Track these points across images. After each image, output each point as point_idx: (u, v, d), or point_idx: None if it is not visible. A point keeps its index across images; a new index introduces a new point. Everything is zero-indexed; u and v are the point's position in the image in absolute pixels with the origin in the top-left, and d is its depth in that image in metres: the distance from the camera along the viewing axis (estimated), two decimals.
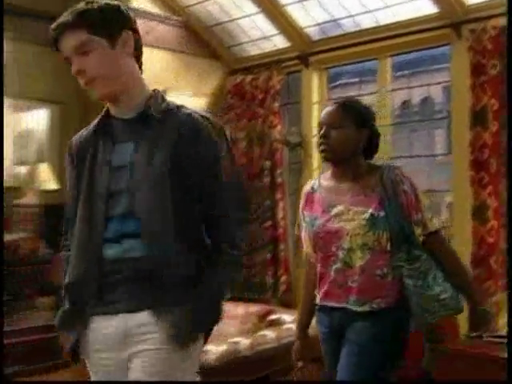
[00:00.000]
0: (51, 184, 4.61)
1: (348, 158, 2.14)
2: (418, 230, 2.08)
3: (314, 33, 4.80)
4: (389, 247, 2.06)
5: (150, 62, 5.47)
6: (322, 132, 2.13)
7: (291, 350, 2.40)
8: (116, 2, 1.67)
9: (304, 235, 2.27)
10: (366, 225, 2.05)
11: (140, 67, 1.72)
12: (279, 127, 4.89)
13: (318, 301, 2.24)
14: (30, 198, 4.73)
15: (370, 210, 2.05)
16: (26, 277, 4.30)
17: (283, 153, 4.95)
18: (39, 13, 4.71)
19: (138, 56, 1.70)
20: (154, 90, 1.72)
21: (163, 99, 1.70)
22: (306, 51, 4.81)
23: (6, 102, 4.54)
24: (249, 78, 5.03)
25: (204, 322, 1.60)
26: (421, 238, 2.09)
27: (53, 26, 1.64)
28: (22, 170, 4.73)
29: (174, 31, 5.02)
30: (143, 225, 1.58)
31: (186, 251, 1.59)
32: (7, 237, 4.32)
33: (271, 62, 4.96)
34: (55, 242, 4.36)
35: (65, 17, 1.62)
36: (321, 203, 2.19)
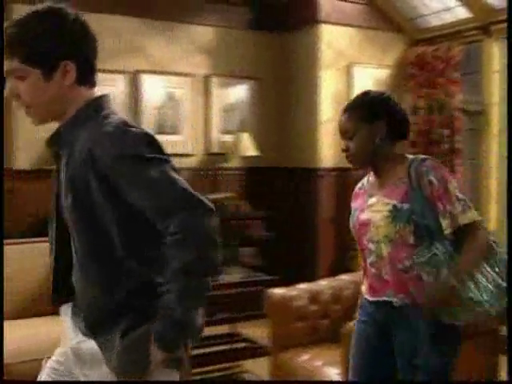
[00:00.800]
0: (252, 151, 5.10)
1: (373, 158, 2.11)
2: (445, 223, 1.97)
3: (496, 2, 4.88)
4: (412, 240, 1.97)
5: (335, 39, 6.14)
6: (342, 146, 2.13)
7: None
8: (65, 19, 1.53)
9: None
10: (388, 216, 1.99)
11: (93, 85, 1.62)
12: (459, 96, 5.06)
13: (363, 294, 2.22)
14: (233, 163, 5.29)
15: (394, 202, 2.00)
16: (229, 230, 4.82)
17: (462, 121, 5.08)
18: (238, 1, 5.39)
19: (87, 76, 1.58)
20: (83, 104, 1.57)
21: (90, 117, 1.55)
22: (488, 21, 4.92)
23: (215, 79, 5.28)
24: (430, 48, 5.22)
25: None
26: (448, 231, 1.97)
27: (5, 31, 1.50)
28: (228, 138, 5.28)
29: (358, 8, 5.34)
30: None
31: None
32: (215, 196, 5.06)
33: (452, 33, 5.12)
34: (255, 201, 5.06)
35: (8, 28, 1.50)
36: (363, 197, 2.19)
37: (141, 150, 1.45)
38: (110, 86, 4.89)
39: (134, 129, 1.51)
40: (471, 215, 1.99)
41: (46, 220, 1.72)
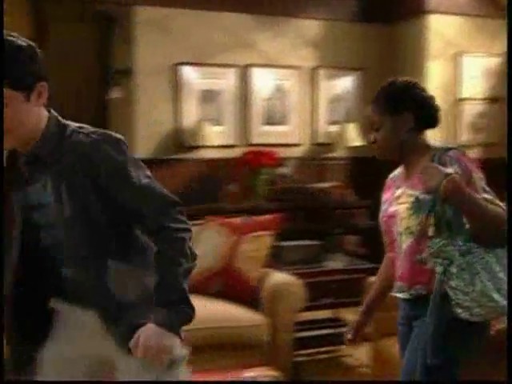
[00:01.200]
0: (357, 141, 5.17)
1: (399, 150, 2.06)
2: None
3: None
4: (431, 232, 1.90)
5: (443, 29, 6.09)
6: (371, 138, 2.11)
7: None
8: (31, 44, 1.59)
9: None
10: (410, 208, 1.93)
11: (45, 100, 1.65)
12: None
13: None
14: (339, 153, 5.40)
15: (417, 193, 1.93)
16: (334, 219, 4.96)
17: None
18: None
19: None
20: (48, 122, 1.64)
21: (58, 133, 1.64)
22: None
23: (322, 71, 5.39)
24: None
25: None
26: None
27: None
28: (334, 128, 5.37)
29: None
30: None
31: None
32: (321, 185, 5.20)
33: None
34: (361, 190, 5.13)
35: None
36: (392, 189, 2.15)
37: (129, 154, 1.67)
38: (221, 80, 5.16)
39: (113, 134, 1.69)
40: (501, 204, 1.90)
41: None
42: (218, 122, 5.14)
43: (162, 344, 1.56)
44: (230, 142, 5.20)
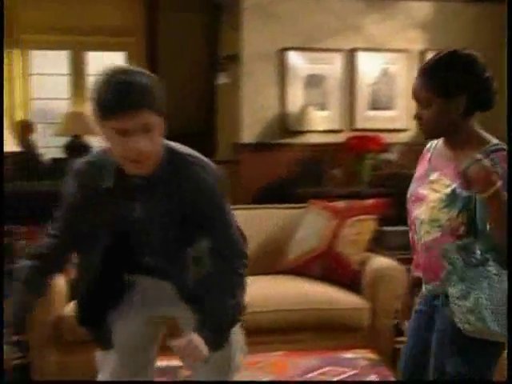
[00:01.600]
0: None
1: (447, 131, 1.86)
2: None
3: None
4: (462, 231, 1.77)
5: None
6: (416, 113, 1.89)
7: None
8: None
9: None
10: (445, 200, 1.79)
11: None
12: None
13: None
14: None
15: (455, 185, 1.77)
16: None
17: None
18: None
19: None
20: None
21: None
22: None
23: (430, 54, 5.26)
24: None
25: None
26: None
27: None
28: None
29: None
30: None
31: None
32: None
33: None
34: None
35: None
36: (426, 165, 1.97)
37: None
38: (327, 64, 5.17)
39: (211, 163, 1.84)
40: None
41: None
42: (323, 107, 5.16)
43: (202, 356, 1.70)
44: (335, 126, 5.21)
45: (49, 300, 2.92)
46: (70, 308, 2.81)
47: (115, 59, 6.90)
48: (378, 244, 3.92)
